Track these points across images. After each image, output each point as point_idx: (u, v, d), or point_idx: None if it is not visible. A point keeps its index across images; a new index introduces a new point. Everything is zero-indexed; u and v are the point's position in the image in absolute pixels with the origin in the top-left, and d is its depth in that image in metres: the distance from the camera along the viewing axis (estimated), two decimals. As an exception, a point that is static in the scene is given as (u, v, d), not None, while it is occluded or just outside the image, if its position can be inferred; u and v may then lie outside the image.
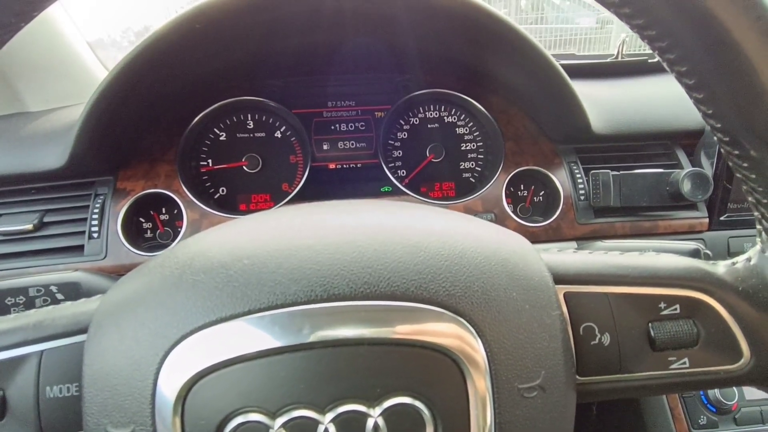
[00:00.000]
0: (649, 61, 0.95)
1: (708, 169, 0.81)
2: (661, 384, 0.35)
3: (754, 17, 0.26)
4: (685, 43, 0.28)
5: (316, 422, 0.27)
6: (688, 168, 0.80)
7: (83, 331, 0.32)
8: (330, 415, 0.27)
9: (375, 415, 0.27)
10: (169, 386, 0.27)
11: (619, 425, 0.88)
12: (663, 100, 0.86)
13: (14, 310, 0.65)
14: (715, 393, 0.78)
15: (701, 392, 0.79)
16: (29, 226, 0.71)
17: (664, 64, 0.31)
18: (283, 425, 0.27)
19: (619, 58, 0.97)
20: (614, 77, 0.95)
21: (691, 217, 0.82)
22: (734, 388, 0.78)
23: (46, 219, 0.73)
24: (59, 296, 0.66)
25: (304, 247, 0.30)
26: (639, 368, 0.34)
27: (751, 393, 0.80)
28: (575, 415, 0.32)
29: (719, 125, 0.31)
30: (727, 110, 0.29)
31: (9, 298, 0.65)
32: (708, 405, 0.78)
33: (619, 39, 1.01)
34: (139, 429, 0.28)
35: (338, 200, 0.37)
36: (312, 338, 0.27)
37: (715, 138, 0.32)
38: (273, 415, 0.27)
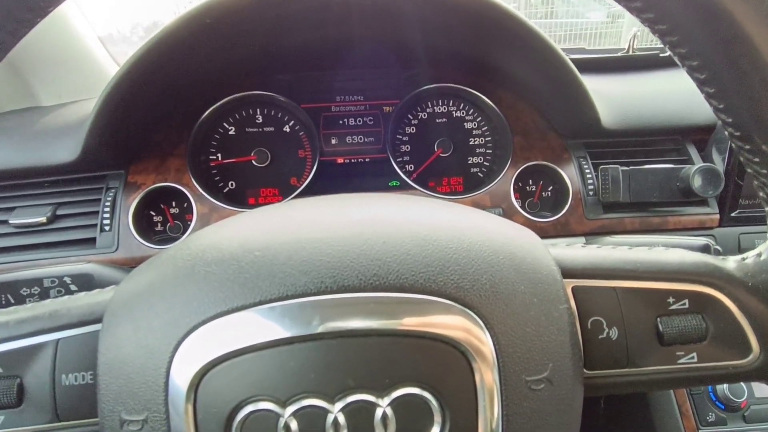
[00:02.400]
0: (661, 55, 0.94)
1: (719, 164, 0.80)
2: (669, 378, 0.35)
3: (765, 11, 0.26)
4: (697, 37, 0.28)
5: (326, 411, 0.27)
6: (699, 163, 0.79)
7: (98, 320, 0.32)
8: (339, 405, 0.27)
9: (384, 405, 0.28)
10: (181, 375, 0.28)
11: (627, 421, 0.88)
12: (674, 94, 0.85)
13: (29, 300, 0.66)
14: (723, 390, 0.77)
15: (710, 389, 0.78)
16: (42, 219, 0.72)
17: (676, 59, 0.30)
18: (293, 414, 0.27)
19: (630, 53, 0.96)
20: (625, 72, 0.94)
21: (702, 213, 0.81)
22: (743, 385, 0.78)
23: (59, 212, 0.74)
24: (73, 287, 0.67)
25: (315, 239, 0.30)
26: (647, 362, 0.34)
27: (761, 390, 0.79)
28: (583, 409, 0.32)
29: (730, 120, 0.31)
30: (739, 105, 0.29)
31: (24, 289, 0.66)
32: (717, 402, 0.78)
33: (630, 33, 1.00)
34: (152, 416, 0.28)
35: (348, 193, 0.38)
36: (321, 329, 0.28)
37: (727, 133, 0.32)
38: (283, 404, 0.27)
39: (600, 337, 0.34)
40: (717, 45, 0.28)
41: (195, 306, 0.29)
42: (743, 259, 0.35)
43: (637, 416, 0.84)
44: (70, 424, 0.33)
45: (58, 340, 0.33)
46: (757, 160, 0.31)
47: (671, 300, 0.34)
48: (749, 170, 0.33)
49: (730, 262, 0.35)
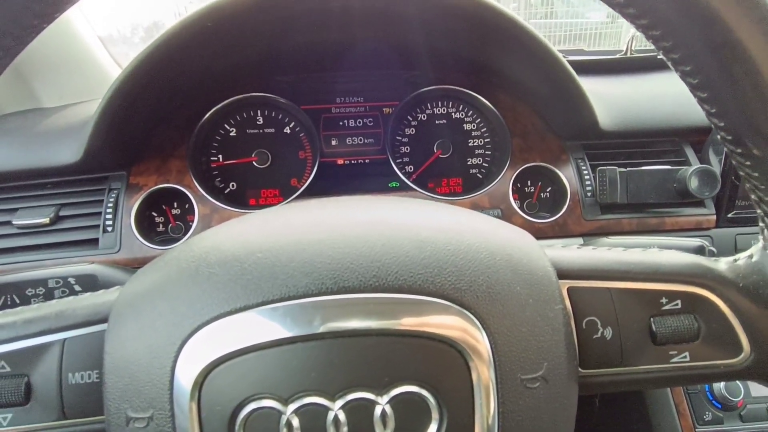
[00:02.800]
0: (658, 57, 0.94)
1: (716, 166, 0.81)
2: (662, 377, 0.35)
3: (758, 17, 0.26)
4: (689, 42, 0.29)
5: (327, 409, 0.28)
6: (696, 165, 0.79)
7: (103, 320, 0.33)
8: (339, 402, 0.28)
9: (383, 402, 0.28)
10: (186, 374, 0.29)
11: (623, 420, 0.88)
12: (672, 96, 0.86)
13: (34, 300, 0.67)
14: (720, 389, 0.78)
15: (706, 388, 0.79)
16: (46, 220, 0.73)
17: (669, 63, 0.31)
18: (295, 411, 0.28)
19: (628, 54, 0.97)
20: (623, 73, 0.94)
21: (699, 214, 0.82)
22: (740, 384, 0.79)
23: (62, 213, 0.75)
24: (77, 287, 0.68)
25: (316, 241, 0.31)
26: (640, 362, 0.35)
27: (757, 390, 0.80)
28: (578, 408, 0.33)
29: (722, 124, 0.31)
30: (731, 109, 0.30)
31: (29, 289, 0.67)
32: (713, 401, 0.79)
33: (628, 34, 1.00)
34: (157, 414, 0.29)
35: (348, 196, 0.38)
36: (322, 329, 0.28)
37: (719, 137, 0.33)
38: (285, 402, 0.28)
39: (594, 336, 0.35)
40: (709, 50, 0.28)
41: (199, 307, 0.29)
42: (735, 260, 0.36)
43: (634, 415, 0.84)
44: (76, 422, 0.33)
45: (65, 339, 0.33)
46: (748, 163, 0.32)
47: (664, 300, 0.35)
48: (741, 173, 0.33)
49: (722, 264, 0.36)
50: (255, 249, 0.31)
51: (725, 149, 0.32)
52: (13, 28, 0.28)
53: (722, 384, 0.78)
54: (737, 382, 0.78)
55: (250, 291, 0.29)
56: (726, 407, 0.78)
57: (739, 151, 0.32)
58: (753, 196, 0.34)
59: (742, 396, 0.78)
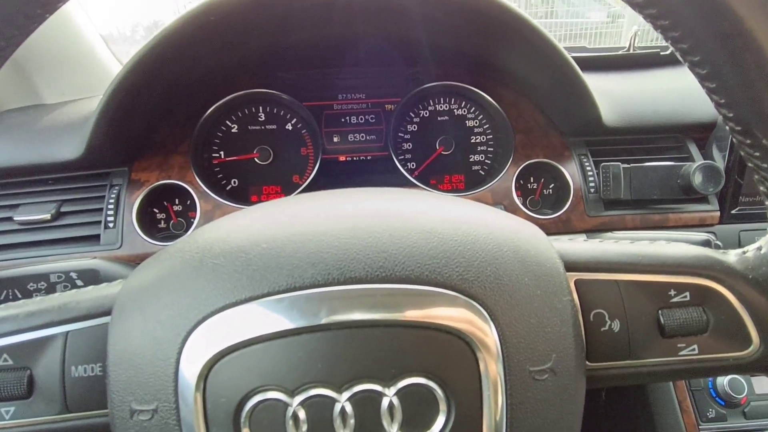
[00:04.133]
0: (662, 53, 0.95)
1: (720, 162, 0.81)
2: (670, 370, 0.35)
3: (767, 6, 0.26)
4: (698, 33, 0.28)
5: (333, 401, 0.28)
6: (699, 161, 0.79)
7: (107, 313, 0.33)
8: (346, 394, 0.28)
9: (390, 394, 0.28)
10: (191, 365, 0.28)
11: (627, 417, 0.88)
12: (675, 92, 0.86)
13: (36, 295, 0.67)
14: (724, 386, 0.78)
15: (710, 385, 0.79)
16: (47, 216, 0.72)
17: (677, 54, 0.31)
18: (301, 403, 0.28)
19: (631, 51, 0.97)
20: (626, 70, 0.94)
21: (702, 210, 0.81)
22: (743, 381, 0.78)
23: (64, 209, 0.74)
24: (79, 282, 0.67)
25: (321, 232, 0.31)
26: (648, 354, 0.35)
27: (761, 386, 0.80)
28: (585, 401, 0.33)
29: (731, 115, 0.31)
30: (740, 99, 0.30)
31: (31, 284, 0.66)
32: (717, 398, 0.78)
33: (630, 32, 1.00)
34: (162, 406, 0.29)
35: (354, 188, 0.38)
36: (329, 320, 0.28)
37: (728, 128, 0.32)
38: (291, 394, 0.28)
39: (602, 329, 0.35)
40: (718, 40, 0.28)
41: (203, 298, 0.29)
42: (744, 252, 0.36)
43: (637, 413, 0.84)
44: (79, 416, 0.33)
45: (68, 332, 0.33)
46: (757, 154, 0.31)
47: (673, 293, 0.35)
48: (750, 165, 0.33)
49: (731, 256, 0.36)
50: (260, 240, 0.31)
51: (732, 142, 0.32)
52: (15, 18, 0.28)
53: (726, 381, 0.78)
54: (741, 378, 0.78)
55: (255, 282, 0.29)
56: (729, 404, 0.78)
57: (748, 142, 0.31)
58: (762, 188, 0.34)
59: (745, 393, 0.78)
